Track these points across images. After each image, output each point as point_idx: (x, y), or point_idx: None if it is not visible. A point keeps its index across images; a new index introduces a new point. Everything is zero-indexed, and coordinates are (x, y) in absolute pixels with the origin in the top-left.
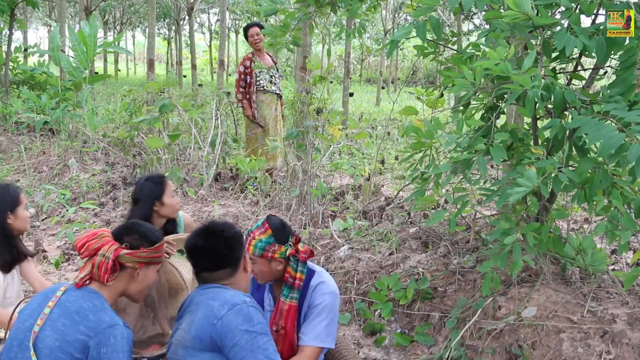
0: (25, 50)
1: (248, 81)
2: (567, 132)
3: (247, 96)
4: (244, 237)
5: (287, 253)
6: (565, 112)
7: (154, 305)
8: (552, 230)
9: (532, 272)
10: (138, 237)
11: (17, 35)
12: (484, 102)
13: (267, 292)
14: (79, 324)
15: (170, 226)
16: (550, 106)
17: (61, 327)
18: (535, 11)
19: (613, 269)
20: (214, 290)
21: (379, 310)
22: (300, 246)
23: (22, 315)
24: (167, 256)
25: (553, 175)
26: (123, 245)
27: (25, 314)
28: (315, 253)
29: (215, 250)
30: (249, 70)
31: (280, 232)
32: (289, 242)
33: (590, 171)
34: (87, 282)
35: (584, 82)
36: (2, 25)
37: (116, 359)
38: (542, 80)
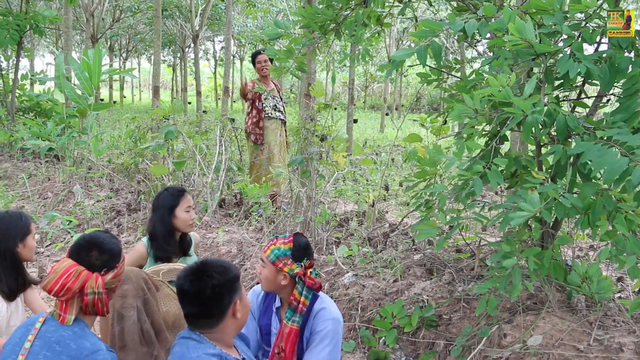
0: (32, 77)
1: (258, 106)
2: (571, 158)
3: (256, 120)
4: (240, 279)
5: (295, 271)
6: (569, 140)
7: (152, 342)
8: (554, 257)
9: (537, 299)
10: (108, 255)
11: (24, 62)
12: (486, 128)
13: (274, 315)
14: (61, 354)
15: (184, 242)
16: (554, 133)
17: (43, 359)
18: (538, 39)
19: (619, 297)
20: (188, 343)
21: (383, 338)
22: (311, 273)
23: (5, 350)
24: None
25: (556, 200)
26: (102, 273)
27: (7, 349)
28: (320, 280)
29: (200, 298)
30: (258, 94)
31: (300, 250)
32: (302, 263)
33: (593, 196)
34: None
35: (587, 109)
36: (9, 53)
37: None
38: (545, 107)
